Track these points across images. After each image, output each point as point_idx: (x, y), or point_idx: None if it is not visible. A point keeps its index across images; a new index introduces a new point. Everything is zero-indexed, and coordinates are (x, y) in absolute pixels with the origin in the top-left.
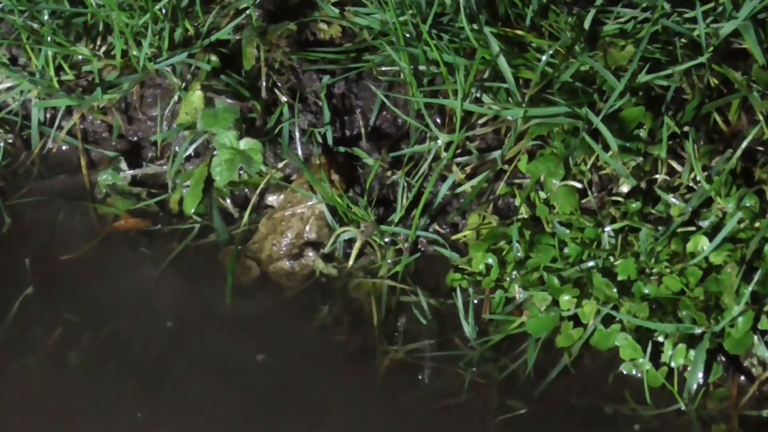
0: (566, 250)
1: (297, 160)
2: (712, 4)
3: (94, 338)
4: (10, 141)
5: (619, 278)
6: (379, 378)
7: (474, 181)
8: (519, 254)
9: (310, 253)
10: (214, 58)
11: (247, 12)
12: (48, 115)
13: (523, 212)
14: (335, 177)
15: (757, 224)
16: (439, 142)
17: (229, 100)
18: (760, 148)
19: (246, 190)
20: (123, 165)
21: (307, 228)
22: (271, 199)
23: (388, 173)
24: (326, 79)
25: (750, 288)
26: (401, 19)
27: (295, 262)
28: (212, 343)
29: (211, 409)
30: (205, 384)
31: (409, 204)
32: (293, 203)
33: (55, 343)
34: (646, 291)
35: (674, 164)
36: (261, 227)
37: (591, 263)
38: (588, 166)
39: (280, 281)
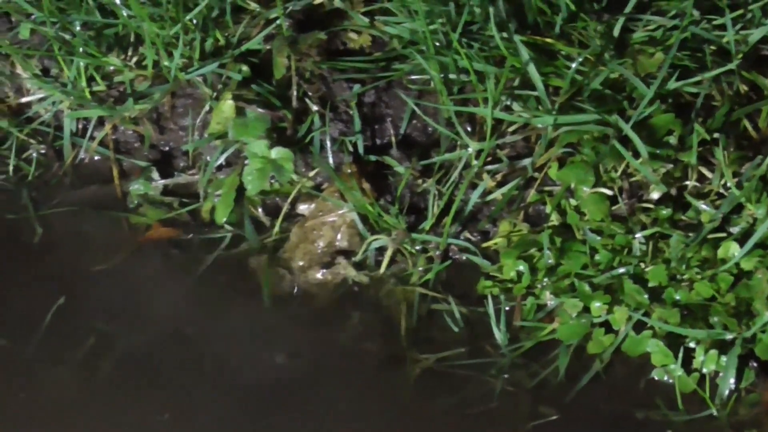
0: (597, 257)
1: (328, 168)
2: (741, 11)
3: (125, 348)
4: (43, 152)
5: (650, 284)
6: (409, 385)
7: (504, 189)
8: (550, 261)
9: (342, 261)
10: (244, 67)
11: (278, 22)
12: (80, 126)
13: (554, 219)
14: (366, 185)
15: None
16: (470, 150)
17: (259, 110)
18: None
19: (277, 198)
20: (155, 175)
21: (338, 236)
22: (303, 207)
23: (419, 181)
24: (357, 88)
25: None
26: (431, 27)
27: (327, 270)
28: (242, 351)
29: (241, 417)
30: (235, 392)
31: (440, 212)
32: (324, 212)
33: (87, 353)
34: (677, 297)
35: (704, 171)
36: (292, 236)
37: (622, 270)
38: (618, 173)
39: (312, 290)
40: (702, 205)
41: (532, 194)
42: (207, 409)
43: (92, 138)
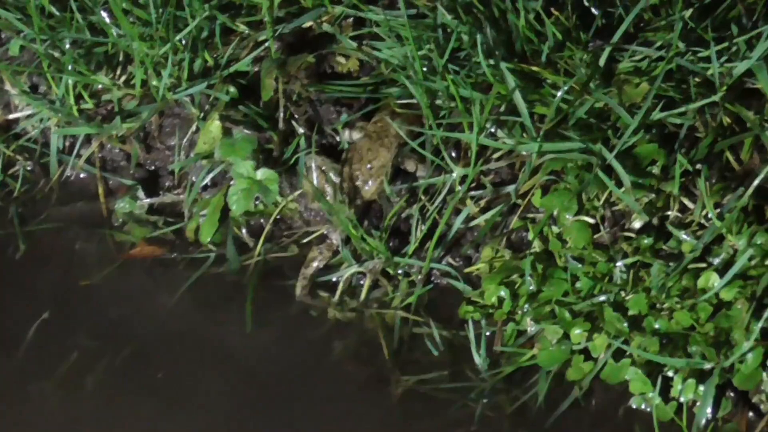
0: (578, 284)
1: (314, 190)
2: (726, 44)
3: (110, 363)
4: (30, 168)
5: (630, 313)
6: (391, 407)
7: (488, 215)
8: (531, 287)
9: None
10: (232, 89)
11: (267, 44)
12: (67, 143)
13: (536, 246)
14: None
15: (767, 261)
16: (454, 175)
17: (246, 131)
18: None
19: (261, 219)
20: (140, 193)
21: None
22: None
23: (403, 205)
24: (344, 117)
25: (760, 324)
26: (420, 53)
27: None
28: (224, 371)
29: None
30: (217, 413)
31: (423, 236)
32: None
33: (71, 368)
34: (657, 326)
35: (686, 201)
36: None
37: (602, 297)
38: (601, 202)
39: (296, 312)
40: (683, 235)
41: (515, 221)
42: (190, 421)
43: (79, 155)
